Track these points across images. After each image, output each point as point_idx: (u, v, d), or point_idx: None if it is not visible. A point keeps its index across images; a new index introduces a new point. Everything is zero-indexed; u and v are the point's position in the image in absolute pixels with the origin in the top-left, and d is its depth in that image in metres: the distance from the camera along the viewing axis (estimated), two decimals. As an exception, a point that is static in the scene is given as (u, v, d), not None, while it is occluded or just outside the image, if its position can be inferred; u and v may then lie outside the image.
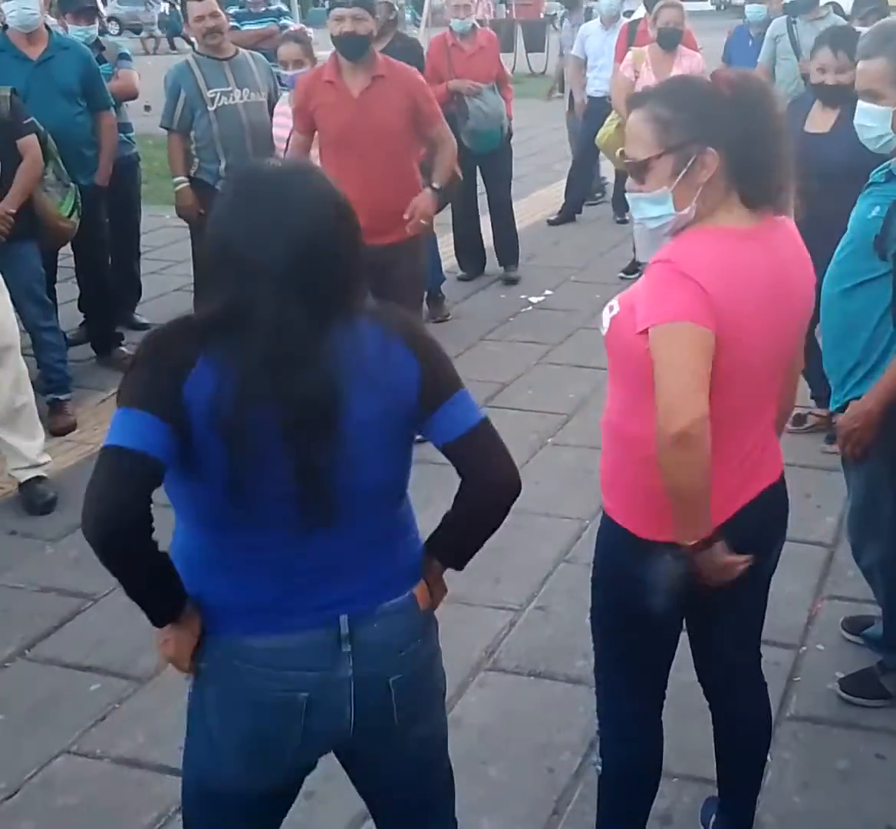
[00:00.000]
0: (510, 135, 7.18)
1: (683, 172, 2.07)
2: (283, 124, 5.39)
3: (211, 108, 5.36)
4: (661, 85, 2.24)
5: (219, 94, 5.37)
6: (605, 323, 2.15)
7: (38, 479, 4.43)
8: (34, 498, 4.40)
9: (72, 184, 4.96)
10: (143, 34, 28.33)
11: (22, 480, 4.44)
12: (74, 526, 4.25)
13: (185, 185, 5.52)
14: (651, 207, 2.13)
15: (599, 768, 2.51)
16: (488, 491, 1.90)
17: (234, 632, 1.83)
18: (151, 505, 1.65)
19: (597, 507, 4.16)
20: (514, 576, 3.83)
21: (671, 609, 2.31)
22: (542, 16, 19.61)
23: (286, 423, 1.68)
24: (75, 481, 4.52)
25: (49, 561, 4.01)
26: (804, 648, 3.40)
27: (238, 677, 1.83)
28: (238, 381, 1.65)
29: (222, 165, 5.42)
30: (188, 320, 1.75)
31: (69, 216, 4.94)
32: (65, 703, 3.23)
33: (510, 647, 3.46)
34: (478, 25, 7.07)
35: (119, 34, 26.32)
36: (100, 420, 5.19)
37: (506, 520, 3.74)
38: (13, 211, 4.59)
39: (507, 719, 3.15)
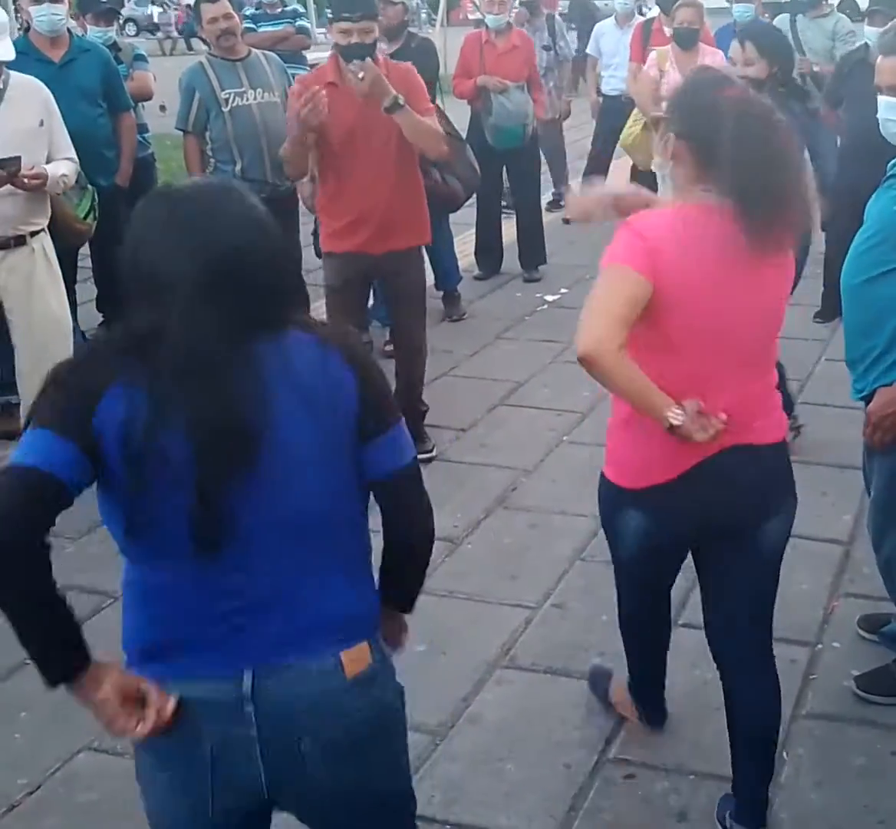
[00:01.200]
0: (536, 135, 7.20)
1: (663, 140, 2.39)
2: None
3: (225, 109, 5.39)
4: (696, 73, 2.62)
5: (233, 95, 5.39)
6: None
7: None
8: None
9: (89, 186, 4.98)
10: (159, 35, 28.45)
11: None
12: (95, 524, 4.27)
13: None
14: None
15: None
16: (407, 530, 1.86)
17: (142, 675, 1.71)
18: (48, 529, 1.60)
19: (612, 505, 4.21)
20: (531, 574, 3.85)
21: (641, 561, 2.64)
22: (558, 15, 19.53)
23: (195, 446, 1.58)
24: (96, 481, 4.62)
25: (69, 559, 4.02)
26: (820, 646, 3.41)
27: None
28: (147, 405, 1.58)
29: (238, 166, 5.45)
30: (101, 345, 1.72)
31: (85, 218, 4.95)
32: (86, 700, 3.26)
33: (527, 644, 3.48)
34: (513, 24, 7.11)
35: (136, 35, 26.44)
36: (119, 420, 5.23)
37: (522, 518, 3.85)
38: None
39: (525, 715, 3.17)
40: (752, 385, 2.46)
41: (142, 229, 1.67)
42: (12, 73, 4.33)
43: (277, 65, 5.61)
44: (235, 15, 5.50)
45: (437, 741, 3.06)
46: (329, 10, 4.62)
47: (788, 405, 4.28)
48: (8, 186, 4.10)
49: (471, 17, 18.20)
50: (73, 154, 4.46)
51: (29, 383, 4.50)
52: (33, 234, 4.37)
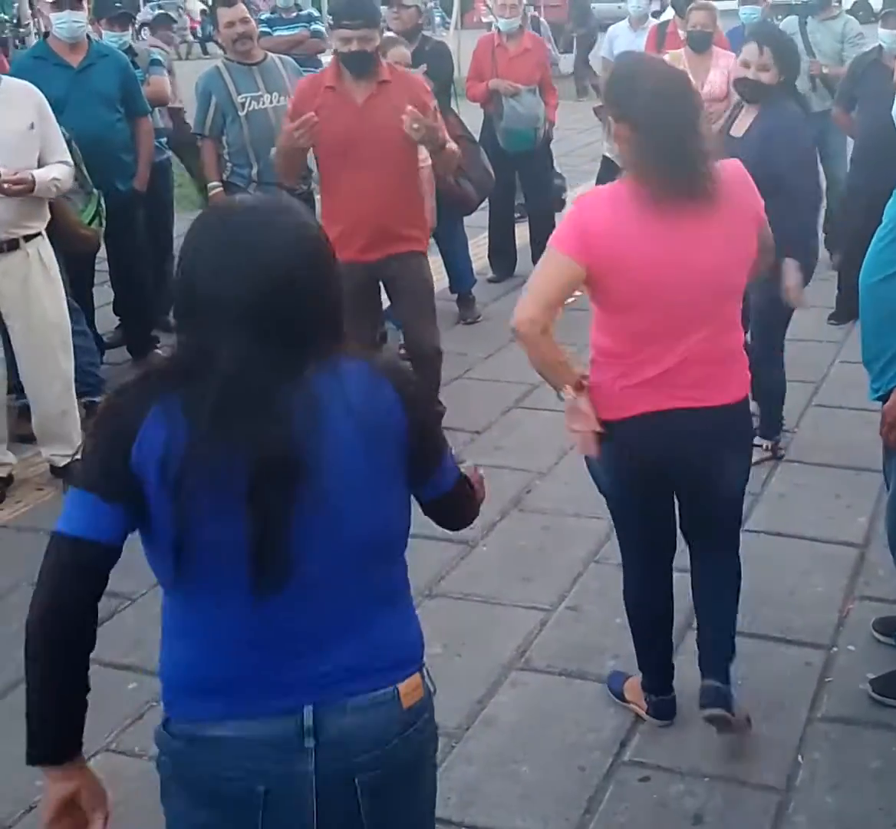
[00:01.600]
0: (548, 139, 7.21)
1: (610, 132, 2.70)
2: None
3: (242, 114, 5.42)
4: (619, 56, 3.21)
5: (249, 99, 5.42)
6: None
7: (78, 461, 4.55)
8: None
9: (95, 191, 4.97)
10: (176, 40, 28.53)
11: (60, 464, 4.58)
12: (112, 527, 4.33)
13: (218, 189, 5.57)
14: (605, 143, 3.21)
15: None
16: (459, 525, 2.00)
17: (190, 716, 1.69)
18: (101, 593, 1.65)
19: (627, 508, 4.21)
20: (545, 576, 3.86)
21: (622, 488, 2.91)
22: (543, 20, 19.53)
23: (252, 478, 1.54)
24: (112, 483, 4.64)
25: (87, 562, 4.07)
26: (835, 648, 3.41)
27: (194, 766, 1.69)
28: (188, 434, 1.54)
29: (254, 170, 5.48)
30: (142, 377, 1.66)
31: (90, 223, 4.94)
32: (103, 701, 3.19)
33: (542, 646, 3.49)
34: (526, 28, 7.11)
35: (153, 35, 26.51)
36: (136, 422, 5.26)
37: (537, 521, 3.84)
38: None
39: (540, 718, 3.18)
40: (708, 344, 2.69)
41: (195, 246, 1.62)
42: (4, 77, 4.34)
43: (293, 69, 5.64)
44: (252, 19, 5.54)
45: (453, 743, 3.07)
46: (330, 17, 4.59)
47: (775, 428, 4.44)
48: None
49: (484, 19, 18.22)
50: (67, 158, 4.44)
51: (31, 387, 4.55)
52: (28, 238, 4.34)
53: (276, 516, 1.57)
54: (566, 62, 18.28)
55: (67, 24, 5.19)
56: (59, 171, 4.34)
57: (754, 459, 4.48)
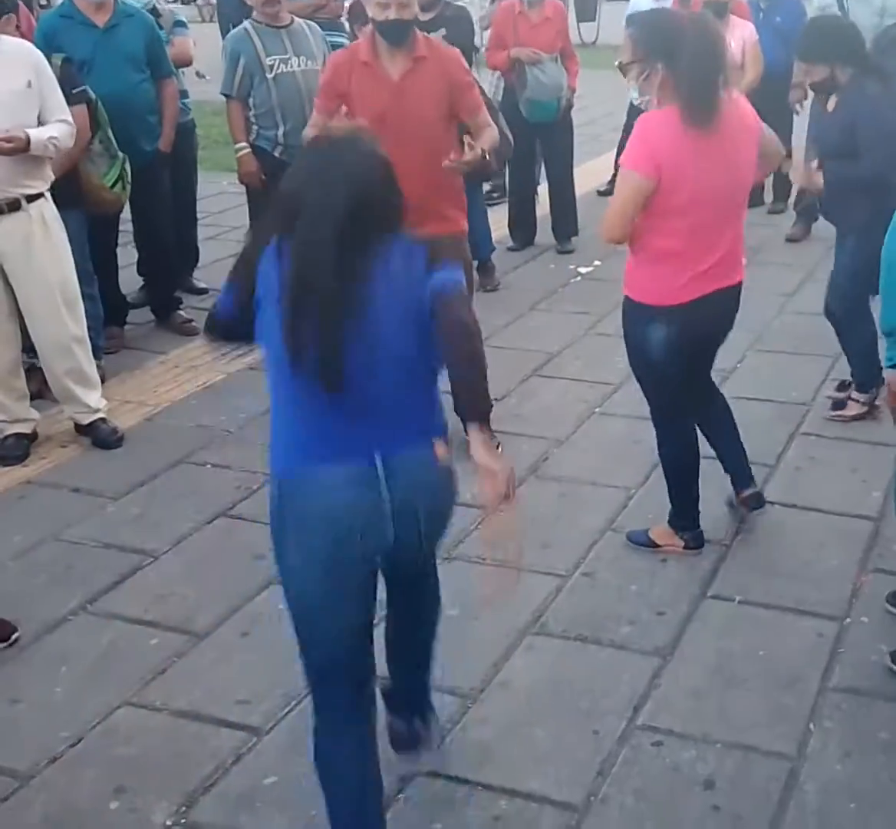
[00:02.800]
0: (570, 107, 7.14)
1: (644, 75, 3.29)
2: None
3: (269, 76, 5.40)
4: (643, 13, 3.80)
5: (277, 62, 5.41)
6: None
7: (102, 420, 4.66)
8: (106, 435, 4.63)
9: (119, 154, 4.93)
10: (199, 1, 28.27)
11: (83, 422, 4.64)
12: (136, 484, 4.37)
13: (246, 151, 5.56)
14: (632, 92, 3.82)
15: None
16: (454, 351, 2.33)
17: (298, 465, 2.37)
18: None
19: (643, 476, 4.26)
20: (562, 543, 3.89)
21: (667, 362, 3.52)
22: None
23: (320, 308, 2.23)
24: (136, 441, 4.67)
25: (111, 518, 4.12)
26: (848, 620, 3.44)
27: (302, 505, 2.36)
28: (288, 270, 2.25)
29: (280, 132, 5.47)
30: (257, 228, 2.51)
31: (112, 187, 4.92)
32: (125, 656, 3.33)
33: (557, 612, 3.53)
34: None
35: (175, 1, 26.33)
36: (159, 382, 5.31)
37: (553, 488, 3.90)
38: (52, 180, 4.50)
39: (554, 682, 3.22)
40: (734, 236, 3.48)
41: (301, 164, 2.37)
42: (3, 37, 4.28)
43: (319, 33, 5.63)
44: None
45: (468, 704, 3.11)
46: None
47: (871, 381, 4.75)
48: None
49: None
50: (67, 116, 4.38)
51: (39, 347, 4.57)
52: (31, 199, 4.32)
53: (336, 337, 2.25)
54: (587, 30, 18.14)
55: None
56: (56, 129, 4.29)
57: (851, 413, 4.75)
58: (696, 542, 3.81)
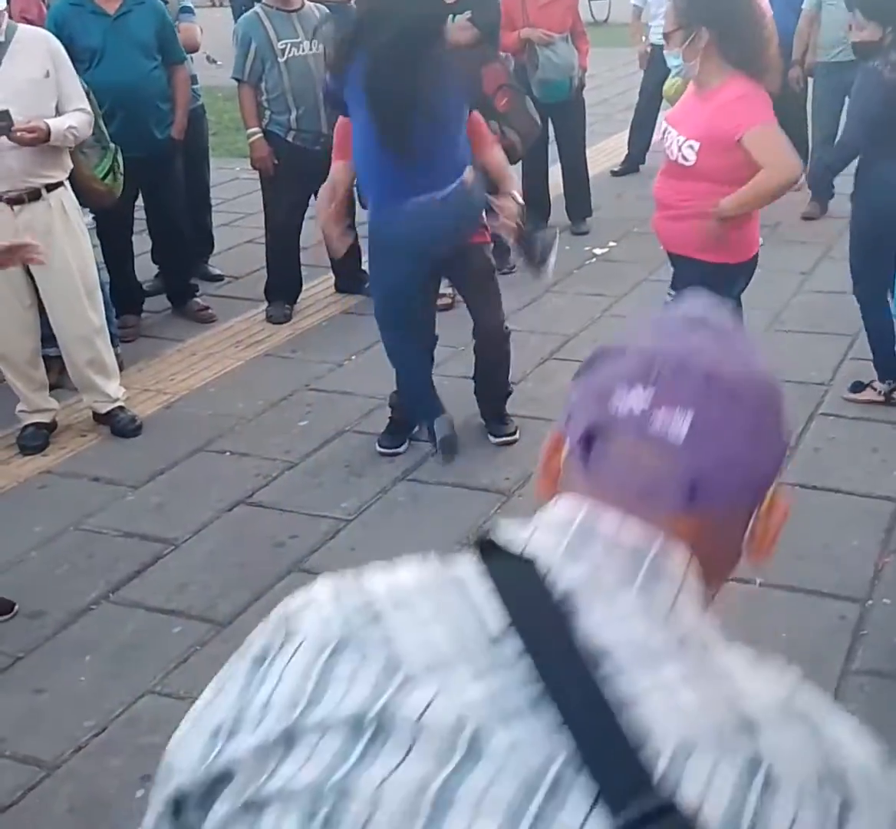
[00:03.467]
0: (582, 87, 7.10)
1: (688, 41, 3.51)
2: None
3: (281, 60, 5.39)
4: None
5: (288, 46, 5.40)
6: (689, 155, 3.55)
7: (120, 409, 4.67)
8: (124, 423, 4.63)
9: (110, 145, 4.86)
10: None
11: (102, 411, 4.66)
12: (156, 473, 4.39)
13: (258, 136, 5.56)
14: (672, 59, 3.81)
15: None
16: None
17: (384, 202, 3.92)
18: None
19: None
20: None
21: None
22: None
23: (391, 103, 3.68)
24: (155, 430, 4.67)
25: (131, 507, 4.13)
26: (870, 602, 3.43)
27: (388, 228, 3.96)
28: (367, 69, 3.65)
29: (293, 116, 5.47)
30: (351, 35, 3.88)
31: (103, 178, 4.85)
32: (148, 645, 3.35)
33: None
34: None
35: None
36: (175, 370, 5.31)
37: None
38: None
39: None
40: None
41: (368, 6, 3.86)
42: (20, 25, 4.28)
43: (329, 18, 5.59)
44: None
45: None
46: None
47: (889, 371, 4.78)
48: (6, 140, 4.06)
49: None
50: (86, 105, 4.38)
51: (60, 337, 4.57)
52: (50, 188, 4.32)
53: (406, 122, 3.70)
54: (599, 8, 18.02)
55: None
56: (75, 119, 4.30)
57: (865, 398, 4.73)
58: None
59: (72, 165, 4.46)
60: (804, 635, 3.28)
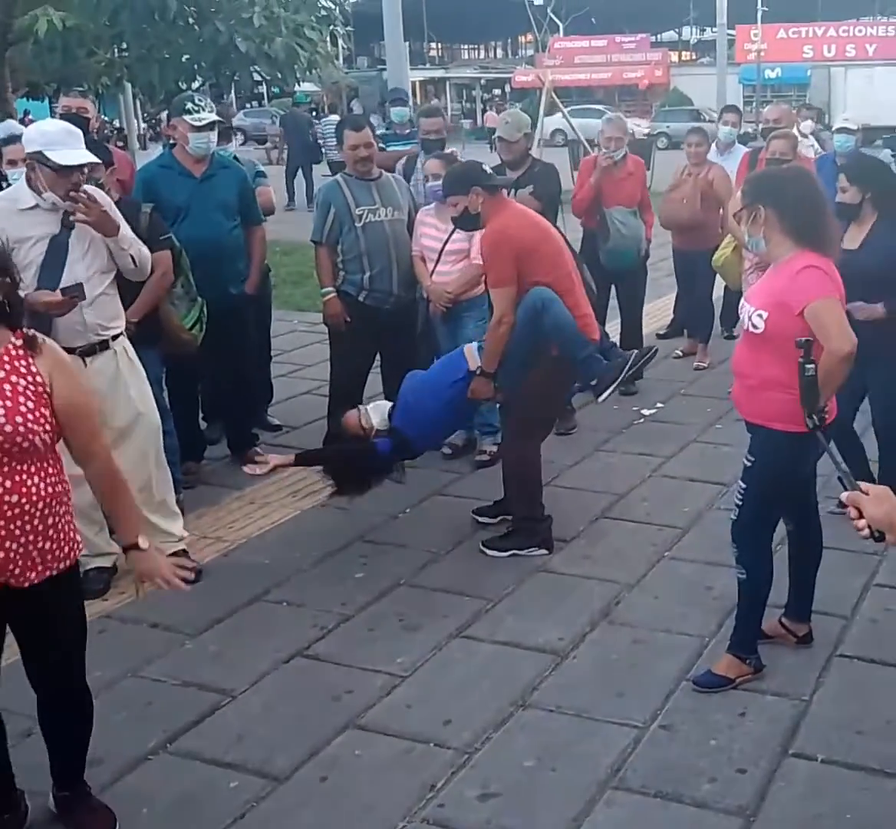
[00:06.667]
0: (646, 257, 7.51)
1: (751, 218, 3.75)
2: (430, 234, 5.75)
3: (358, 225, 5.68)
4: (750, 175, 4.26)
5: (366, 211, 5.70)
6: (758, 323, 3.70)
7: (183, 551, 4.70)
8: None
9: (199, 298, 5.12)
10: (267, 145, 29.65)
11: (168, 552, 4.66)
12: (213, 621, 4.40)
13: (332, 295, 5.81)
14: (745, 236, 4.06)
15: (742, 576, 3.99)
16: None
17: None
18: None
19: (716, 624, 4.26)
20: (637, 691, 3.86)
21: (805, 481, 4.05)
22: (645, 135, 20.06)
23: None
24: (213, 577, 4.70)
25: (189, 655, 4.14)
26: None
27: None
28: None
29: (366, 276, 5.73)
30: None
31: (191, 329, 5.10)
32: (205, 799, 3.31)
33: (636, 765, 3.47)
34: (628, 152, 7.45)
35: (244, 144, 27.64)
36: (235, 518, 5.40)
37: (626, 634, 3.87)
38: (135, 320, 4.72)
39: (637, 839, 3.16)
40: None
41: None
42: (89, 187, 4.37)
43: (405, 187, 5.99)
44: (374, 143, 5.86)
45: (551, 860, 3.06)
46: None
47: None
48: (89, 295, 4.25)
49: (602, 163, 18.63)
50: (143, 247, 4.50)
51: (130, 477, 4.65)
52: (115, 338, 4.50)
53: None
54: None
55: (205, 144, 5.44)
56: (140, 244, 4.45)
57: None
58: (759, 664, 3.98)
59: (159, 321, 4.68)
60: (871, 815, 3.21)
